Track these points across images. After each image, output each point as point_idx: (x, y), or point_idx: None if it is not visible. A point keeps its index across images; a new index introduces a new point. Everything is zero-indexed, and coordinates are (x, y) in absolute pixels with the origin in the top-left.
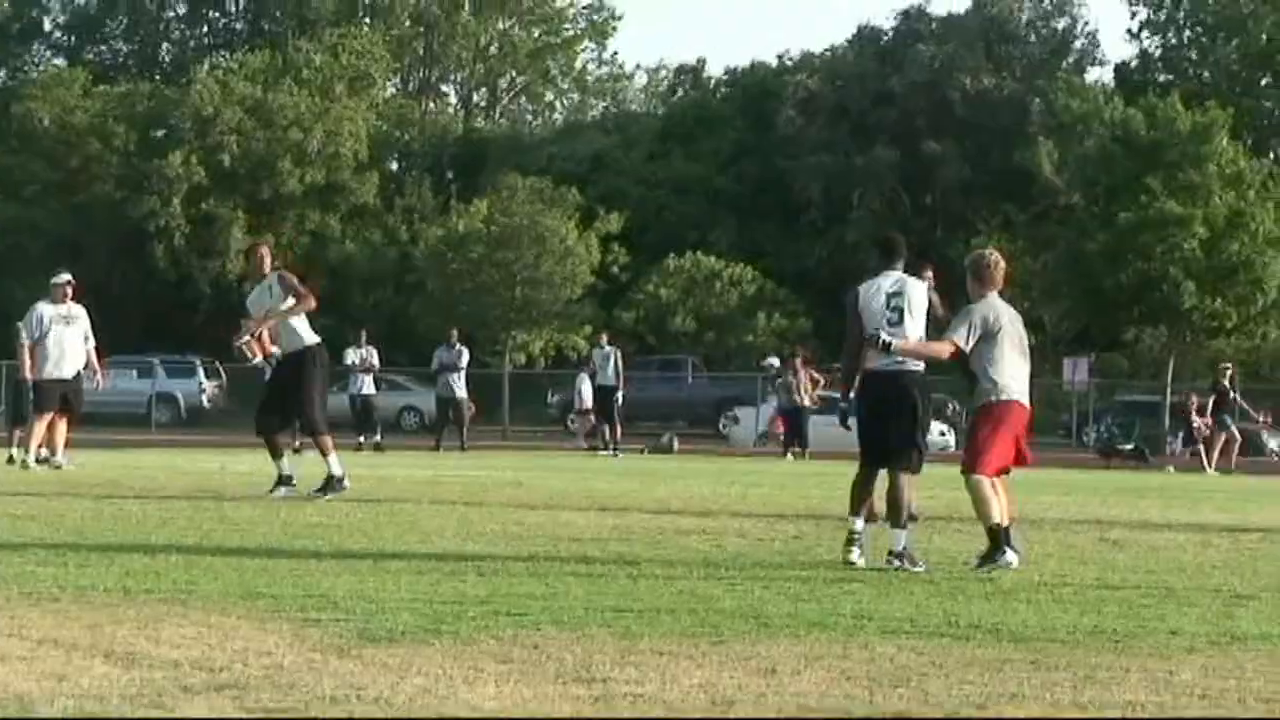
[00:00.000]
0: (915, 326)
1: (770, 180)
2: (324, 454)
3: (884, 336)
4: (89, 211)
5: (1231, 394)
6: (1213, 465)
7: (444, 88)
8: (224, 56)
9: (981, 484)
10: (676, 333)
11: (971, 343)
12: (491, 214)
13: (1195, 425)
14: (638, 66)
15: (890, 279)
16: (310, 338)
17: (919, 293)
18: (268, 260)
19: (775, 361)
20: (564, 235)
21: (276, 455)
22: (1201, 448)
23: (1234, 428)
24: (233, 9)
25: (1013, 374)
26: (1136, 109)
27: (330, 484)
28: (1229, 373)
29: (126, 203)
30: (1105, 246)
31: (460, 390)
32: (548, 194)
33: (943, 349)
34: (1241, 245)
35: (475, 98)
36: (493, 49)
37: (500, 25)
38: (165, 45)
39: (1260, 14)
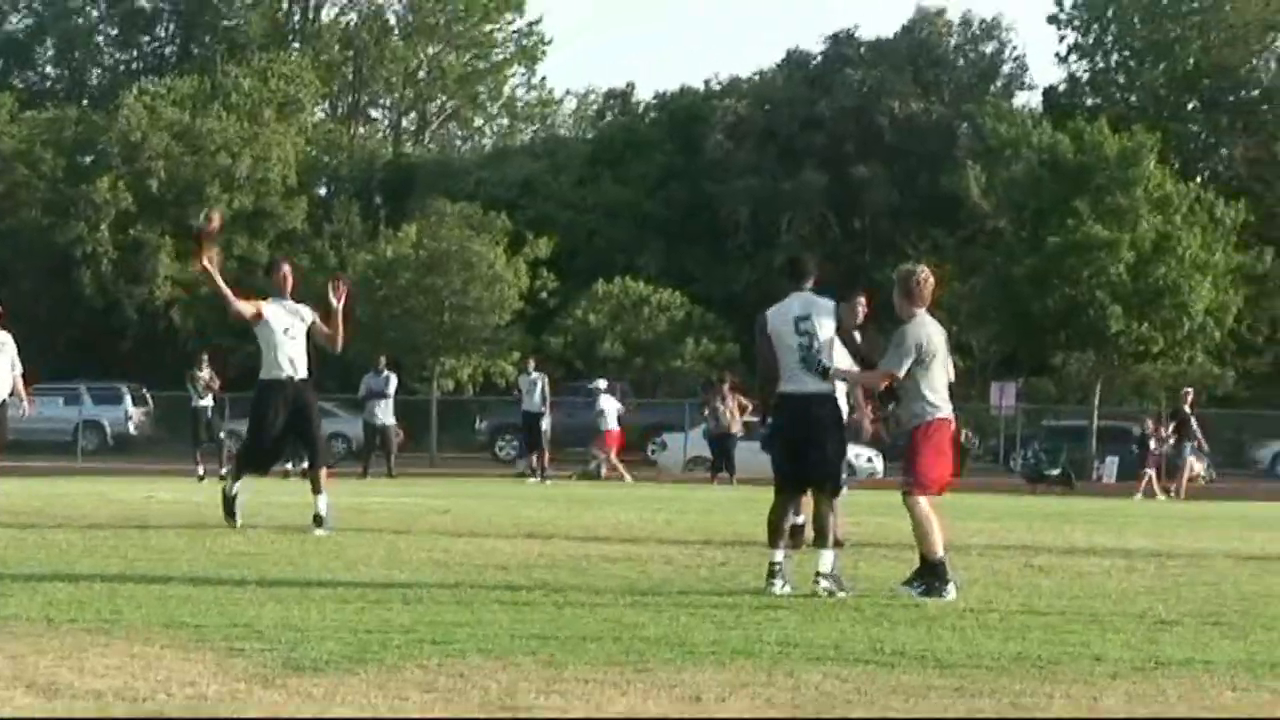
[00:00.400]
0: (843, 353)
1: (698, 205)
2: (319, 491)
3: (824, 362)
4: (15, 237)
5: (1192, 421)
6: (1143, 490)
7: (373, 113)
8: (152, 81)
9: (924, 507)
10: (605, 358)
11: (907, 370)
12: (420, 239)
13: (1153, 447)
14: (567, 91)
15: (798, 301)
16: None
17: (826, 313)
18: (290, 278)
19: (602, 384)
20: (492, 261)
21: (238, 480)
22: (1151, 472)
23: (1190, 457)
24: (162, 33)
25: (944, 394)
26: (1064, 133)
27: (321, 520)
28: (1189, 398)
29: (53, 229)
30: (1032, 270)
31: (388, 417)
32: (476, 219)
33: (880, 381)
34: (1168, 269)
35: (404, 123)
36: (422, 74)
37: (429, 50)
38: (94, 70)
39: (1187, 38)
